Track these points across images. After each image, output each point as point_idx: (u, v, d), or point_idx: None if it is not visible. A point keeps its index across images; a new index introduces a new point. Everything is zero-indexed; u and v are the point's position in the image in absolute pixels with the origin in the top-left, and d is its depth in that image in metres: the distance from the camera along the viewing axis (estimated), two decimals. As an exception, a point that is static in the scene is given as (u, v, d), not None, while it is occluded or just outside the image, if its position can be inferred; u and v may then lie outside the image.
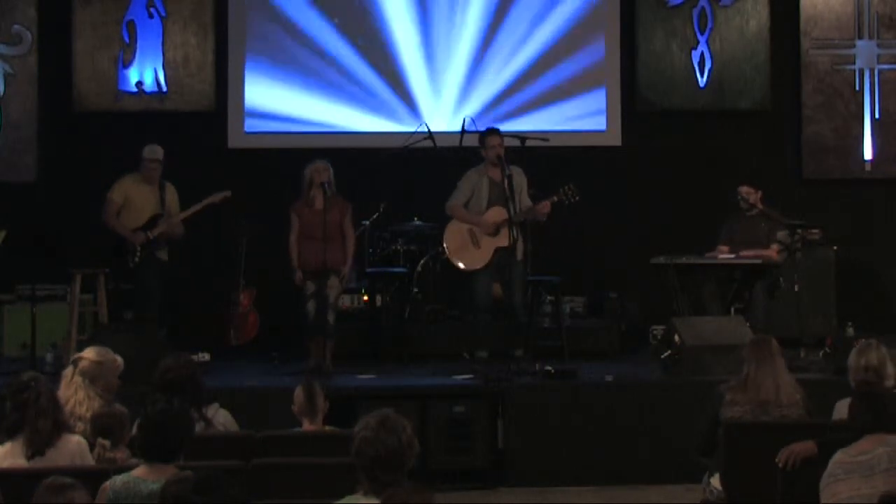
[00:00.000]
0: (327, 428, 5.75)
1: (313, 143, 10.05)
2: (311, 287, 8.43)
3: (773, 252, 8.85)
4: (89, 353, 5.62)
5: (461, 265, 8.59)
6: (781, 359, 5.84)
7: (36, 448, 4.77)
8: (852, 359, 5.66)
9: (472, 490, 7.54)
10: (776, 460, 5.02)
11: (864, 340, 5.76)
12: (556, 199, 8.38)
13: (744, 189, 9.05)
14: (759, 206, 9.00)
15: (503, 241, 8.37)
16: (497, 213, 8.43)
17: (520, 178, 8.51)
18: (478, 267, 8.52)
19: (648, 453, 7.66)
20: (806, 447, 5.02)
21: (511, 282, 8.43)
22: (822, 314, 9.72)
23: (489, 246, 8.47)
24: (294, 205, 8.59)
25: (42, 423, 4.79)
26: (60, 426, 4.88)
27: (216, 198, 8.96)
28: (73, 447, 4.83)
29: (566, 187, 8.37)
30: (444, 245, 8.68)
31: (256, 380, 8.18)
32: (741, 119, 10.82)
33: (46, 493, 3.77)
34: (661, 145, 10.69)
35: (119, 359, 5.70)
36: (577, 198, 8.37)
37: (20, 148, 10.42)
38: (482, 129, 9.25)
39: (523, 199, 8.49)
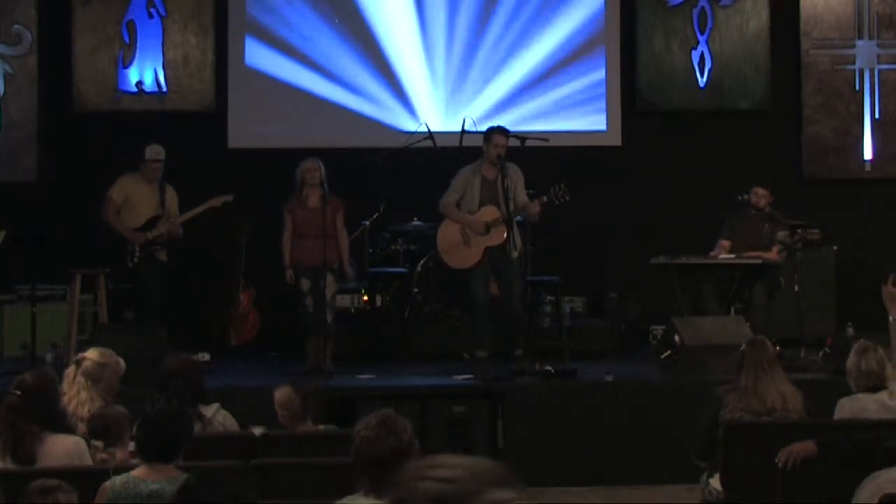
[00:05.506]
0: (320, 427, 5.74)
1: (313, 142, 10.04)
2: (306, 284, 8.45)
3: (773, 254, 8.84)
4: (92, 354, 5.60)
5: (452, 264, 8.58)
6: (778, 364, 5.82)
7: (13, 456, 4.73)
8: (852, 363, 5.66)
9: (472, 490, 7.51)
10: (776, 460, 5.02)
11: (861, 342, 5.76)
12: (545, 199, 8.33)
13: (759, 190, 8.96)
14: (767, 209, 8.96)
15: (494, 240, 8.35)
16: (488, 213, 8.40)
17: (516, 175, 8.46)
18: (467, 266, 8.48)
19: (648, 453, 7.65)
20: (806, 447, 5.01)
21: (507, 281, 8.41)
22: (822, 314, 9.71)
23: (480, 245, 8.43)
24: (287, 203, 8.59)
25: (17, 432, 4.76)
26: (45, 430, 4.83)
27: (217, 201, 8.95)
28: (70, 447, 4.80)
29: (557, 187, 8.31)
30: (437, 243, 8.67)
31: (256, 380, 8.18)
32: (741, 119, 10.82)
33: (34, 495, 3.77)
34: (661, 145, 10.69)
35: (121, 361, 5.70)
36: (568, 198, 8.30)
37: (20, 148, 10.43)
38: (482, 129, 9.26)
39: (520, 195, 8.42)
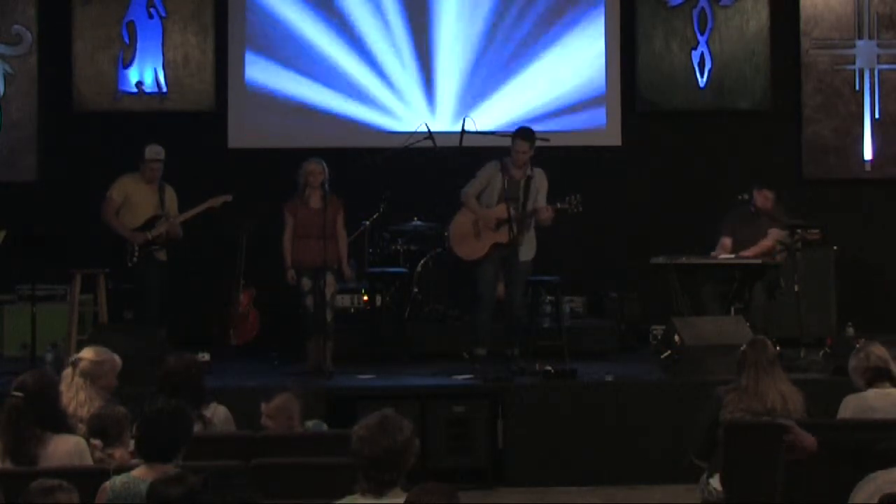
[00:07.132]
0: (308, 423, 5.74)
1: (313, 142, 10.03)
2: (307, 284, 8.46)
3: (770, 242, 8.81)
4: (88, 353, 5.61)
5: (459, 254, 8.62)
6: (778, 364, 5.82)
7: (13, 458, 4.73)
8: (854, 360, 5.66)
9: (472, 490, 7.53)
10: (783, 437, 4.99)
11: (861, 342, 5.78)
12: (559, 206, 8.36)
13: (767, 193, 8.91)
14: (771, 210, 8.93)
15: (503, 237, 8.37)
16: (502, 209, 8.42)
17: (541, 180, 8.48)
18: (473, 258, 8.52)
19: (648, 453, 7.66)
20: (810, 438, 5.00)
21: (510, 280, 8.43)
22: (822, 314, 9.72)
23: (488, 240, 8.47)
24: (288, 203, 8.60)
25: (19, 434, 4.75)
26: (46, 431, 4.83)
27: (216, 201, 8.95)
28: (71, 448, 4.80)
29: (572, 197, 8.34)
30: (449, 230, 8.69)
31: (256, 380, 8.18)
32: (741, 119, 10.82)
33: (34, 495, 3.77)
34: (661, 145, 10.70)
35: (118, 358, 5.70)
36: (580, 209, 8.33)
37: (20, 148, 10.44)
38: (482, 129, 9.27)
39: (539, 201, 8.45)
